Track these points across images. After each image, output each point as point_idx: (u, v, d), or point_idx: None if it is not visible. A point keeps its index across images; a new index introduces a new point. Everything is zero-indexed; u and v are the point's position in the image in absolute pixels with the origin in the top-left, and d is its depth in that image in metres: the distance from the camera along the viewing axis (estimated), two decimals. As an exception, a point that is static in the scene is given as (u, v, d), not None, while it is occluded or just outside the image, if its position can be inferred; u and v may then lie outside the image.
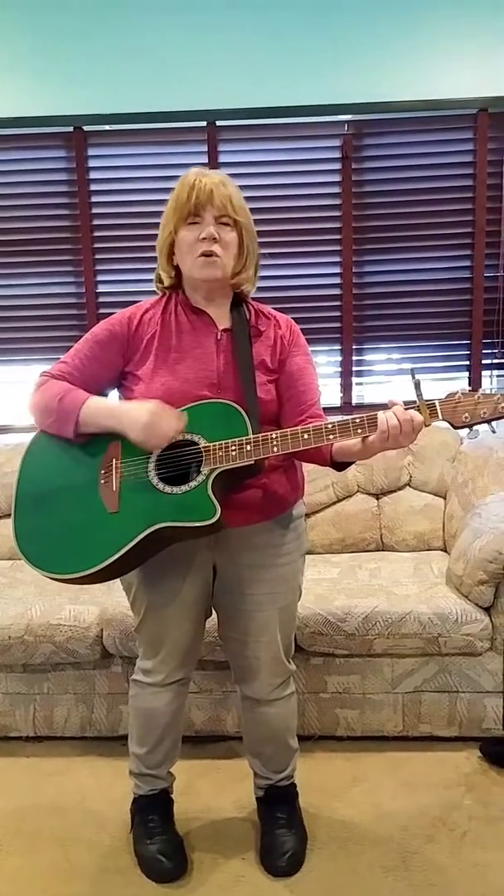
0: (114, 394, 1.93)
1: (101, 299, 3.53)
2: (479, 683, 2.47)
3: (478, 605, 2.45)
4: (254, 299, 1.95)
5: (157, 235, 1.88)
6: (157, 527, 1.67)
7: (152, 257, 1.92)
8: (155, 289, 1.95)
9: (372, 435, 1.63)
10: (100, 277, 3.53)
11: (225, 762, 2.47)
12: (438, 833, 2.11)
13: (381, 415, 1.61)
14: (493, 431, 1.61)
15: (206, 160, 3.38)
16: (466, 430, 1.61)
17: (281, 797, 2.09)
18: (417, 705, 2.49)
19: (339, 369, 3.56)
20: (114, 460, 1.76)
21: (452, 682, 2.47)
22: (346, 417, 1.65)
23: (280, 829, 2.04)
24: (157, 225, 1.87)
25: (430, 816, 2.18)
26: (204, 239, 1.76)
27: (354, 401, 3.58)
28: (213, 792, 2.33)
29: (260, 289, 1.96)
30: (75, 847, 2.11)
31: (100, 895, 1.94)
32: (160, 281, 1.92)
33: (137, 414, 1.70)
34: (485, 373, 3.55)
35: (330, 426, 1.65)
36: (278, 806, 2.08)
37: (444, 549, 3.04)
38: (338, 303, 3.50)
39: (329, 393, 3.56)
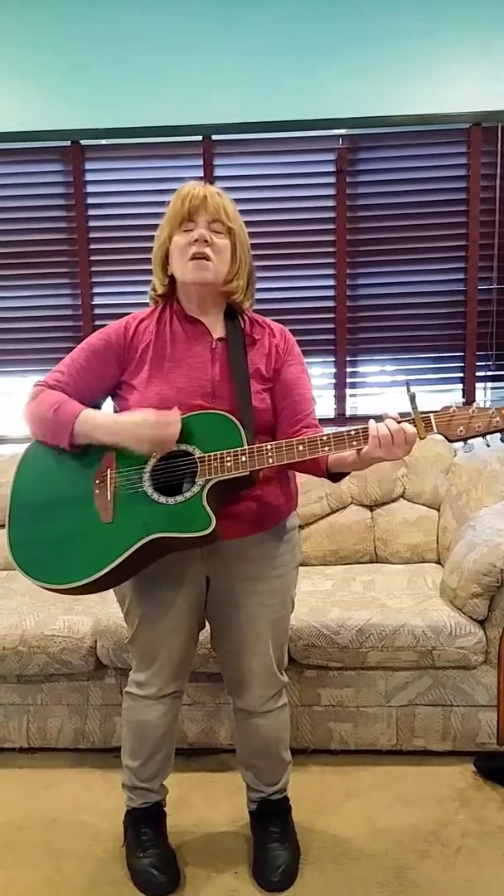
0: (108, 403, 1.93)
1: (97, 311, 3.54)
2: (473, 697, 2.46)
3: (472, 618, 2.45)
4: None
5: (152, 248, 1.89)
6: (151, 537, 1.67)
7: (148, 269, 1.93)
8: (149, 300, 1.96)
9: (366, 446, 1.63)
10: (96, 290, 3.53)
11: (218, 775, 2.46)
12: (432, 848, 2.10)
13: (372, 423, 1.62)
14: (488, 445, 1.61)
15: (201, 174, 3.39)
16: (461, 444, 1.62)
17: (274, 811, 2.08)
18: (411, 719, 2.49)
19: (333, 381, 3.57)
20: (108, 470, 1.76)
21: (446, 696, 2.47)
22: (341, 429, 1.66)
23: (273, 843, 2.03)
24: (152, 238, 1.88)
25: (424, 831, 2.17)
26: (196, 241, 1.77)
27: (348, 412, 3.59)
28: (206, 805, 2.31)
29: (255, 300, 1.97)
30: (67, 860, 2.10)
31: (92, 909, 1.93)
32: (154, 290, 1.93)
33: (134, 421, 1.70)
34: (478, 385, 3.56)
35: (325, 438, 1.66)
36: (271, 820, 2.07)
37: (438, 562, 3.05)
38: (332, 315, 3.51)
39: (323, 404, 3.56)
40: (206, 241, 1.78)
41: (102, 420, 1.78)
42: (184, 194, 1.80)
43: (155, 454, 1.73)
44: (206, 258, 1.79)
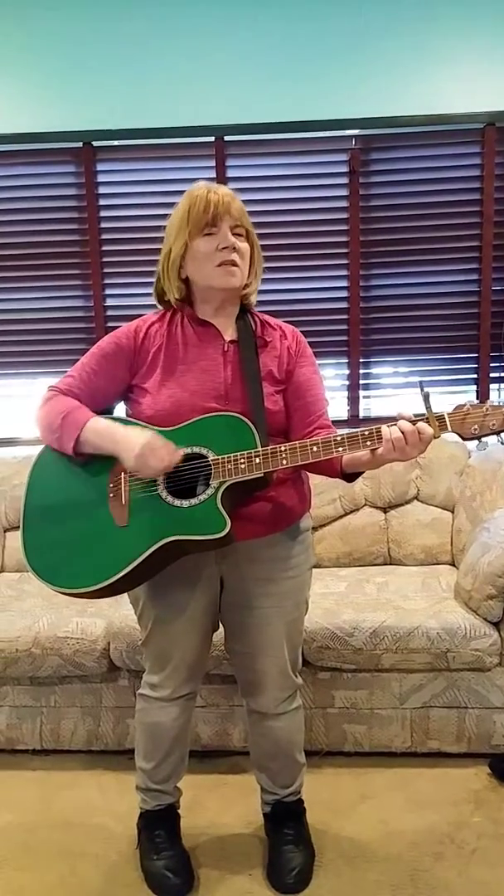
0: (120, 406, 1.93)
1: (109, 313, 3.54)
2: (487, 699, 2.45)
3: (486, 619, 2.43)
4: (260, 311, 1.96)
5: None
6: (166, 540, 1.67)
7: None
8: (158, 306, 1.94)
9: (381, 447, 1.63)
10: (108, 291, 3.54)
11: (232, 777, 2.46)
12: (447, 850, 2.09)
13: (384, 428, 1.62)
14: (502, 443, 1.61)
15: (214, 175, 3.39)
16: (475, 442, 1.61)
17: (288, 813, 2.08)
18: (426, 721, 2.48)
19: (347, 382, 3.56)
20: (122, 473, 1.76)
21: (461, 698, 2.46)
22: (354, 430, 1.65)
23: (287, 845, 2.03)
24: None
25: (439, 833, 2.16)
26: (224, 248, 1.76)
27: (361, 414, 3.57)
28: (220, 807, 2.31)
29: (268, 302, 1.97)
30: (82, 862, 2.10)
31: (106, 911, 1.93)
32: (163, 298, 1.91)
33: (133, 442, 1.69)
34: (493, 386, 3.54)
35: (339, 438, 1.65)
36: (285, 822, 2.07)
37: (453, 564, 3.03)
38: (345, 316, 3.51)
39: (336, 406, 3.56)
40: (234, 247, 1.78)
41: (106, 427, 1.76)
42: (205, 198, 1.76)
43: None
44: (235, 264, 1.79)
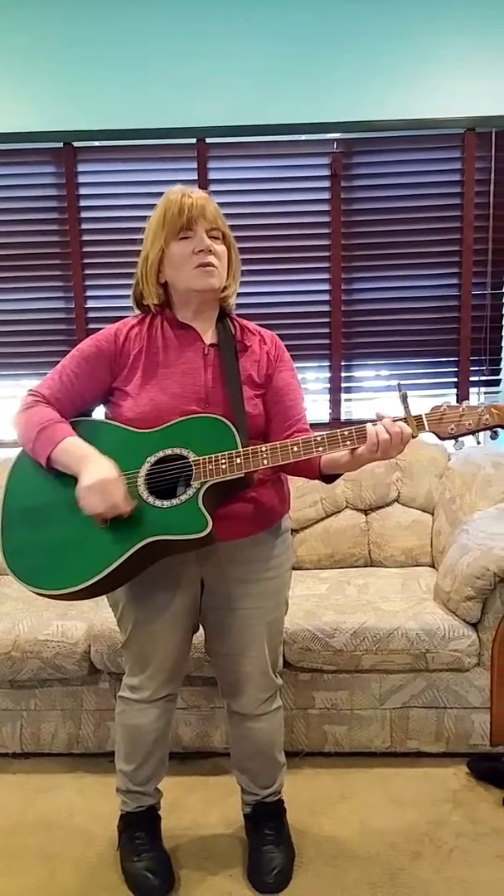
0: (100, 409, 1.93)
1: (90, 314, 3.54)
2: (466, 699, 2.47)
3: (465, 620, 2.45)
4: (241, 315, 1.97)
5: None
6: (148, 541, 1.67)
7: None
8: (136, 310, 1.94)
9: (361, 447, 1.64)
10: (89, 293, 3.54)
11: (212, 778, 2.46)
12: (425, 850, 2.11)
13: (370, 427, 1.63)
14: (478, 443, 1.63)
15: (195, 177, 3.40)
16: (452, 442, 1.64)
17: (268, 813, 2.08)
18: (405, 721, 2.49)
19: (328, 385, 3.57)
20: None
21: (440, 698, 2.47)
22: (334, 430, 1.66)
23: (267, 845, 2.03)
24: (146, 240, 1.87)
25: (418, 833, 2.18)
26: (200, 251, 1.78)
27: (343, 417, 3.59)
28: (201, 808, 2.31)
29: (249, 305, 1.98)
30: (62, 864, 2.09)
31: (85, 913, 1.92)
32: (141, 303, 1.91)
33: (92, 473, 1.68)
34: (472, 390, 3.57)
35: (319, 438, 1.66)
36: (266, 822, 2.07)
37: (432, 565, 3.05)
38: (326, 319, 3.52)
39: (317, 409, 3.57)
40: (210, 250, 1.79)
41: (77, 449, 1.75)
42: (179, 203, 1.78)
43: (146, 462, 1.73)
44: (212, 265, 1.80)
